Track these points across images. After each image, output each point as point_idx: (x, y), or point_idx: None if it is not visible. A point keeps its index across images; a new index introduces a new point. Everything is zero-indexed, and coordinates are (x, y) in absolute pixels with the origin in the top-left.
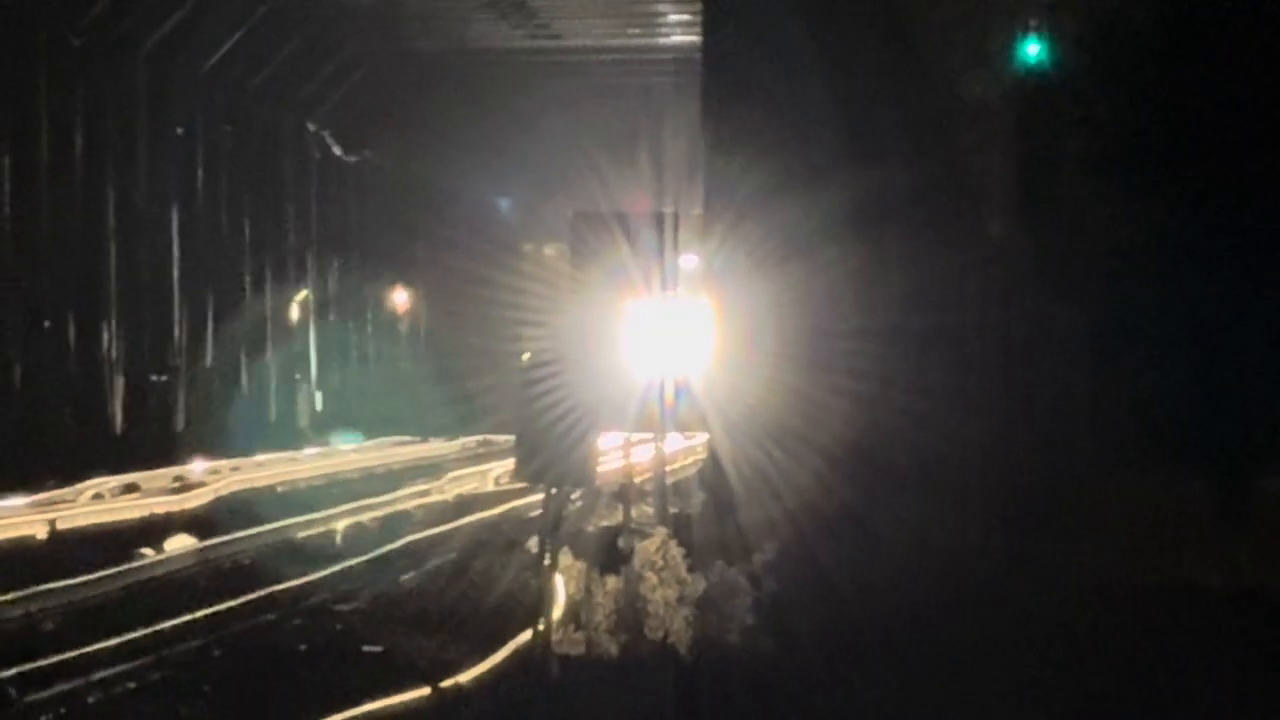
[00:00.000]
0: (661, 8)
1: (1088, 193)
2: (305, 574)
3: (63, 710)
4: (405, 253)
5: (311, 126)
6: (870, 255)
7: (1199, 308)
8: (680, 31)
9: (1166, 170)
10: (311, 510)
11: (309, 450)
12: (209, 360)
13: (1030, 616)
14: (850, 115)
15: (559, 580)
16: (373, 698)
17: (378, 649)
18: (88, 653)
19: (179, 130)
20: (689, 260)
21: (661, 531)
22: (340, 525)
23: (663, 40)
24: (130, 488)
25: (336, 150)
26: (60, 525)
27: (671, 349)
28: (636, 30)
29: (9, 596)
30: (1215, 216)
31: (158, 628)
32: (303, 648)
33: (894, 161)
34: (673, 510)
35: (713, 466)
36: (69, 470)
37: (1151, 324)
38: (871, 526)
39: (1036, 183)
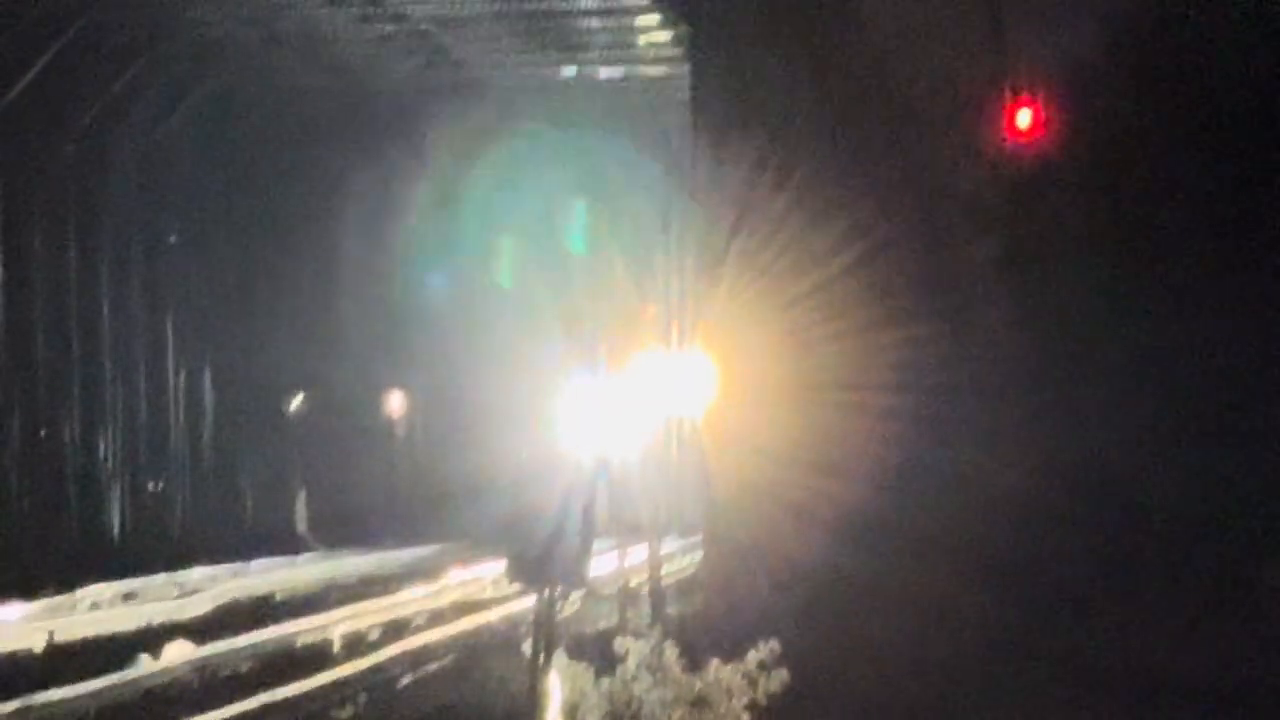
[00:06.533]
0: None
1: (1080, 262)
2: (303, 680)
3: None
4: (397, 349)
5: None
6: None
7: (1196, 393)
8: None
9: (1159, 242)
10: (310, 614)
11: (306, 555)
12: (206, 467)
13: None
14: (841, 163)
15: (554, 681)
16: None
17: None
18: None
19: (172, 239)
20: None
21: (657, 632)
22: (339, 631)
23: (595, 70)
24: (129, 595)
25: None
26: (58, 635)
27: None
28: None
29: (6, 708)
30: (1212, 288)
31: None
32: None
33: (882, 210)
34: (669, 610)
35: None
36: (67, 578)
37: (1148, 403)
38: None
39: (1027, 255)
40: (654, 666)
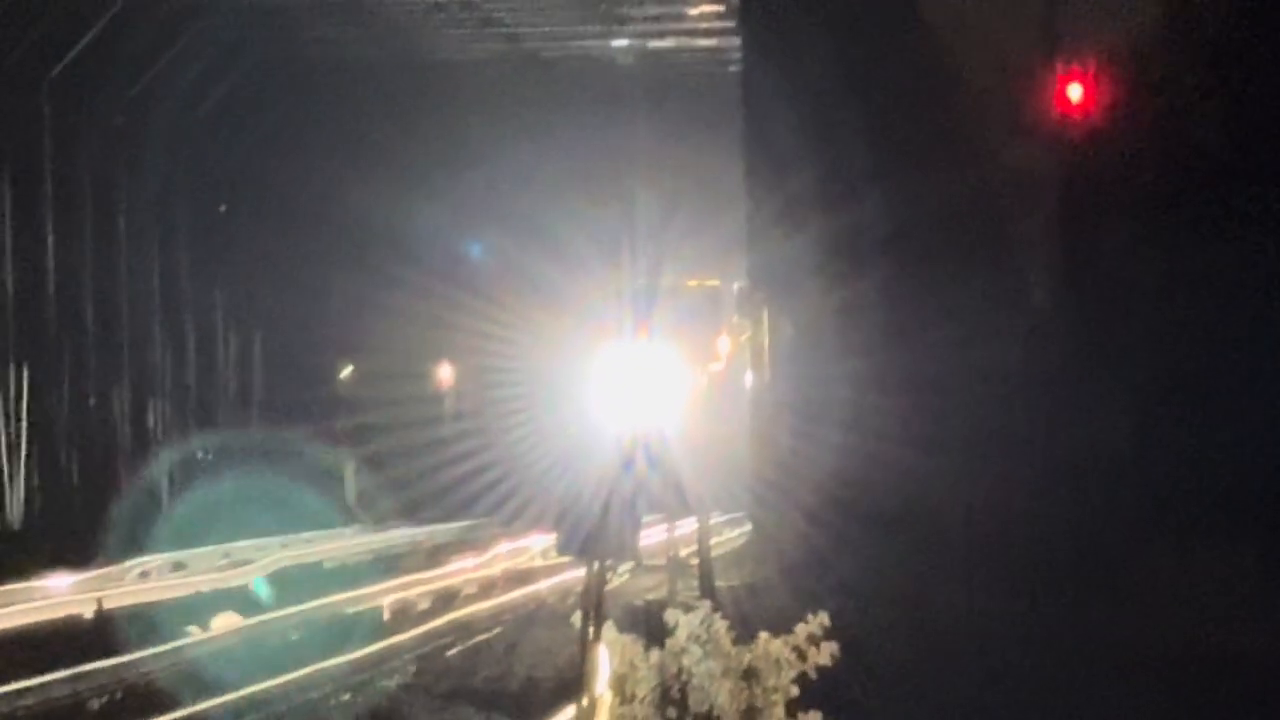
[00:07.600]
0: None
1: (1130, 237)
2: (351, 650)
3: None
4: (446, 321)
5: None
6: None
7: (1246, 362)
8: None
9: (1210, 216)
10: (358, 585)
11: (354, 527)
12: (254, 435)
13: (1074, 687)
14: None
15: (603, 653)
16: None
17: None
18: None
19: (221, 208)
20: None
21: (706, 605)
22: (386, 601)
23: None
24: (178, 565)
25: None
26: (107, 604)
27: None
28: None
29: (56, 676)
30: (1263, 265)
31: (201, 706)
32: None
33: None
34: (719, 583)
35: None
36: (116, 548)
37: (1196, 380)
38: (917, 597)
39: (1076, 228)
40: (703, 639)
